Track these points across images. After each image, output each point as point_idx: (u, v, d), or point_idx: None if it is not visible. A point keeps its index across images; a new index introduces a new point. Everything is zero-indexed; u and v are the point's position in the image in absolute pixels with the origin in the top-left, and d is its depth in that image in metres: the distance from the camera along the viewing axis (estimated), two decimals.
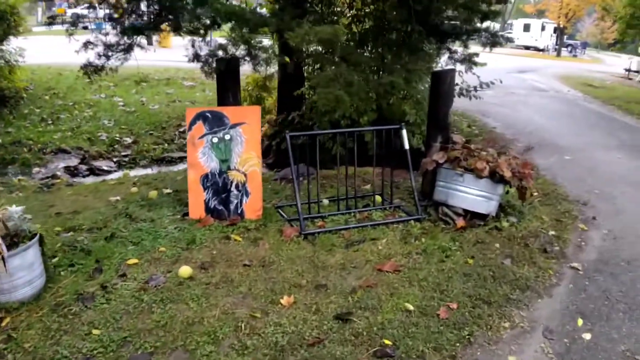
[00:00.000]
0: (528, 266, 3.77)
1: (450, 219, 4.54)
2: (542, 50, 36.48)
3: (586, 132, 8.47)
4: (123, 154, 8.15)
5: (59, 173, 6.98)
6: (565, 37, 36.49)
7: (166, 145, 8.70)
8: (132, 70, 9.81)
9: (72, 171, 7.28)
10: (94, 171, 7.47)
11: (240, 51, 4.40)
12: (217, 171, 4.75)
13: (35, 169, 7.05)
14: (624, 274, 3.77)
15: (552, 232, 4.42)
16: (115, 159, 7.94)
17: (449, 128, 5.00)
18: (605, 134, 8.36)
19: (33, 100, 9.08)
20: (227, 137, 4.72)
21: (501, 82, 7.48)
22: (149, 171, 7.56)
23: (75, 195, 5.75)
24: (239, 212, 4.75)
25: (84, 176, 7.31)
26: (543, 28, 37.62)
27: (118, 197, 5.45)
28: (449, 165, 4.64)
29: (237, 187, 4.77)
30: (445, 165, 4.69)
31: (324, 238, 4.23)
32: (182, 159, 8.24)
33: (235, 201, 4.76)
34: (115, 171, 7.63)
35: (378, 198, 5.13)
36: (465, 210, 4.54)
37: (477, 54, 5.95)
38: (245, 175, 4.76)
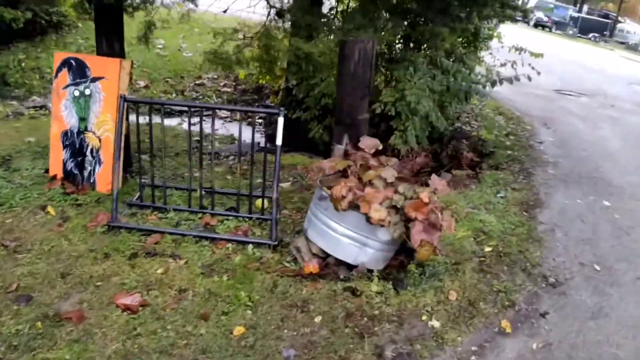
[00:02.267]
0: None
1: (301, 258, 2.97)
2: None
3: None
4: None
5: (50, 105, 6.69)
6: None
7: (172, 95, 7.94)
8: (197, 15, 9.05)
9: None
10: None
11: None
12: (76, 130, 3.77)
13: (33, 97, 6.85)
14: None
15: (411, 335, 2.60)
16: None
17: (360, 125, 3.28)
18: None
19: (84, 31, 8.99)
20: (87, 92, 3.68)
21: (529, 79, 5.14)
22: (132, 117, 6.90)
23: (14, 129, 5.31)
24: (91, 180, 3.76)
25: None
26: None
27: (32, 139, 4.85)
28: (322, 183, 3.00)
29: (91, 152, 3.75)
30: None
31: (126, 237, 3.04)
32: (175, 113, 7.41)
33: (89, 168, 3.76)
34: None
35: (259, 203, 3.68)
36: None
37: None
38: (100, 140, 3.71)
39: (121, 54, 3.80)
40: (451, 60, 5.74)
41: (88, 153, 3.74)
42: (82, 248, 2.89)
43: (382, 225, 2.68)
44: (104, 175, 3.70)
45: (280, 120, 3.27)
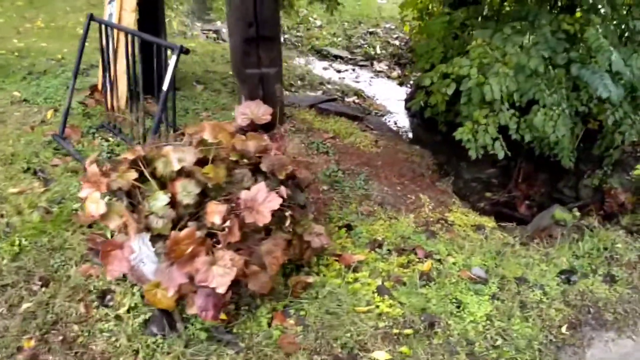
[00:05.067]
0: None
1: None
2: None
3: None
4: (297, 34, 7.45)
5: (224, 30, 7.15)
6: None
7: (339, 39, 7.27)
8: None
9: None
10: None
11: None
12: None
13: (217, 23, 7.44)
14: None
15: None
16: (285, 36, 7.39)
17: (250, 82, 2.11)
18: None
19: None
20: (111, 11, 3.63)
21: None
22: (284, 53, 6.70)
23: None
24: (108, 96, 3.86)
25: None
26: None
27: None
28: None
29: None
30: None
31: (49, 152, 3.02)
32: (330, 57, 6.80)
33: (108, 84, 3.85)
34: None
35: None
36: None
37: None
38: None
39: None
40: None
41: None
42: (9, 151, 2.96)
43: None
44: (114, 93, 3.73)
45: (173, 60, 2.45)
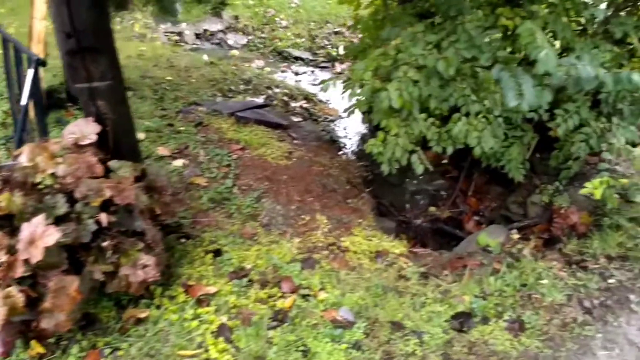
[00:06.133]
0: None
1: None
2: None
3: None
4: (261, 35, 7.20)
5: (187, 32, 6.98)
6: None
7: (302, 40, 6.99)
8: None
9: (205, 35, 7.13)
10: (220, 43, 7.07)
11: None
12: None
13: (182, 25, 7.23)
14: None
15: None
16: (249, 37, 7.17)
17: (81, 97, 1.89)
18: None
19: None
20: None
21: None
22: (245, 55, 6.50)
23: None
24: None
25: (209, 41, 7.05)
26: None
27: None
28: None
29: None
30: None
31: None
32: (291, 59, 6.54)
33: None
34: (237, 48, 6.95)
35: None
36: None
37: None
38: None
39: None
40: None
41: None
42: None
43: None
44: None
45: (30, 73, 2.22)
